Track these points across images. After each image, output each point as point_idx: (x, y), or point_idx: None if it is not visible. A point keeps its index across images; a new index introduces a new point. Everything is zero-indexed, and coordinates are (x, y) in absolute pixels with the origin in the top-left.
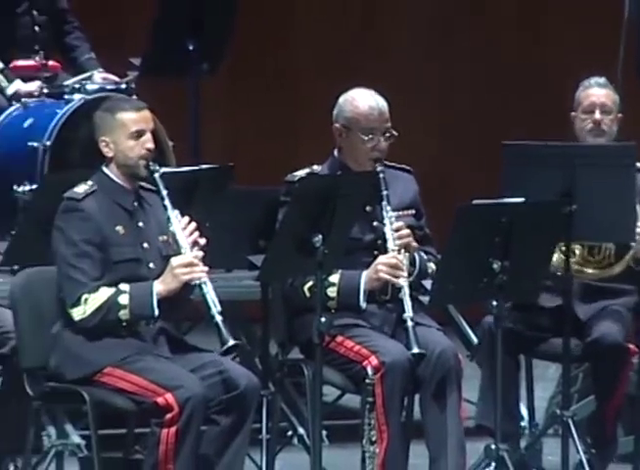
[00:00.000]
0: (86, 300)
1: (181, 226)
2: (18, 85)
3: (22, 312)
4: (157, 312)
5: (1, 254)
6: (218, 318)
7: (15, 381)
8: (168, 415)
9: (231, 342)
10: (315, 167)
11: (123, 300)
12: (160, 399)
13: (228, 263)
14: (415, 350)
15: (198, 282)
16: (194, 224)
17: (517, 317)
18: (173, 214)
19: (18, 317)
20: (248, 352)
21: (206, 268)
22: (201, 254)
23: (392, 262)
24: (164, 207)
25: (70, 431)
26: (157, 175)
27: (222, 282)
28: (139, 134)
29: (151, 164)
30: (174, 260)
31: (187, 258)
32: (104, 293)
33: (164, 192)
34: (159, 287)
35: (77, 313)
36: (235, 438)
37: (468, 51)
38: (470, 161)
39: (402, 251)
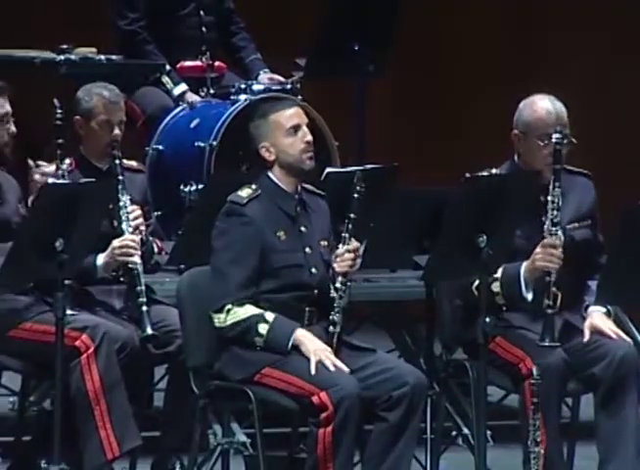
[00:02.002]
0: (229, 310)
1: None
2: (183, 88)
3: (188, 311)
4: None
5: (168, 253)
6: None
7: (181, 379)
8: (323, 414)
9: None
10: (494, 171)
11: (262, 328)
12: (314, 399)
13: (393, 263)
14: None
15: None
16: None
17: None
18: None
19: (183, 316)
20: (412, 351)
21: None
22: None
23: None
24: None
25: (236, 429)
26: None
27: (387, 282)
28: (295, 129)
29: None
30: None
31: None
32: (247, 310)
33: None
34: (300, 333)
35: (217, 320)
36: (403, 434)
37: None
38: None
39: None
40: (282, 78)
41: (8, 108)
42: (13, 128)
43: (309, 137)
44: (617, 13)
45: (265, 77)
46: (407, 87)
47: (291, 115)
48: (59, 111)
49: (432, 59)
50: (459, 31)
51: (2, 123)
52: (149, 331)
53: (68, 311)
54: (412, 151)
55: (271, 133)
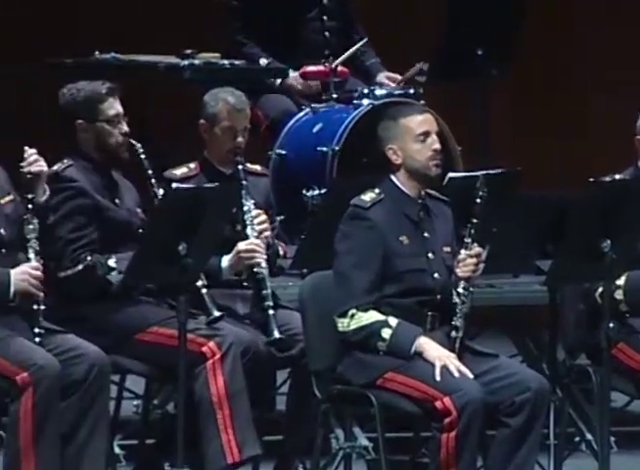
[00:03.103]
0: (353, 315)
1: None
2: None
3: (310, 315)
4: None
5: (291, 257)
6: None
7: (303, 383)
8: (447, 419)
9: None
10: (617, 177)
11: (386, 333)
12: (438, 404)
13: (515, 268)
14: None
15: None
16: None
17: None
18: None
19: (306, 320)
20: (535, 356)
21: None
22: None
23: None
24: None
25: (358, 433)
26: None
27: (509, 287)
28: (425, 136)
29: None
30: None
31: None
32: (371, 316)
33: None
34: (423, 339)
35: (341, 325)
36: (526, 440)
37: None
38: None
39: None
40: (399, 76)
41: (120, 109)
42: (125, 128)
43: (438, 146)
44: None
45: (383, 76)
46: (529, 89)
47: (421, 121)
48: (140, 150)
49: (551, 60)
50: (580, 32)
51: (114, 124)
52: (276, 335)
53: (216, 313)
54: (536, 154)
55: (400, 137)
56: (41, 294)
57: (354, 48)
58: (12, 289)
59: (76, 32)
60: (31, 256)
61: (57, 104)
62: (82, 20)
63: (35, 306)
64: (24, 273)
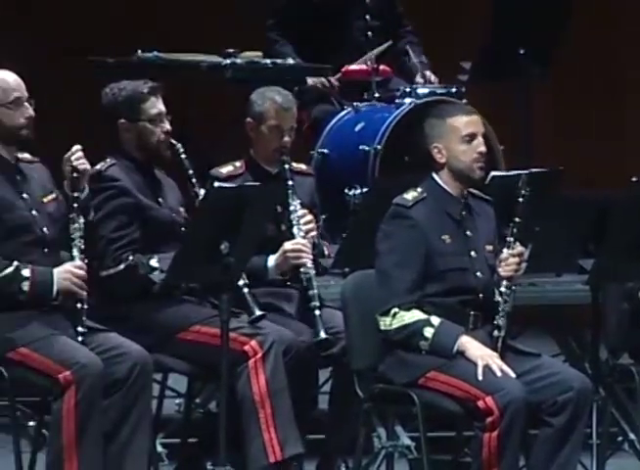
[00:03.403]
0: (395, 314)
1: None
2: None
3: (352, 314)
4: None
5: (333, 256)
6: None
7: (345, 382)
8: (489, 419)
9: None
10: None
11: (428, 332)
12: (480, 403)
13: (558, 267)
14: None
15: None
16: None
17: None
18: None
19: (347, 319)
20: (578, 356)
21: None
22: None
23: None
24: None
25: (400, 433)
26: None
27: (552, 286)
28: (471, 138)
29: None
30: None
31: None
32: (414, 315)
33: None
34: (465, 339)
35: (383, 324)
36: (568, 439)
37: None
38: None
39: None
40: (432, 77)
41: (162, 108)
42: (167, 127)
43: (483, 148)
44: None
45: (419, 76)
46: (571, 89)
47: (468, 122)
48: (181, 150)
49: (592, 59)
50: (622, 33)
51: (156, 123)
52: (322, 335)
53: (258, 312)
54: (578, 153)
55: (446, 136)
56: (84, 293)
57: (376, 51)
58: (55, 288)
59: (119, 31)
60: (76, 254)
61: (99, 103)
62: (125, 19)
63: (79, 305)
64: (67, 272)
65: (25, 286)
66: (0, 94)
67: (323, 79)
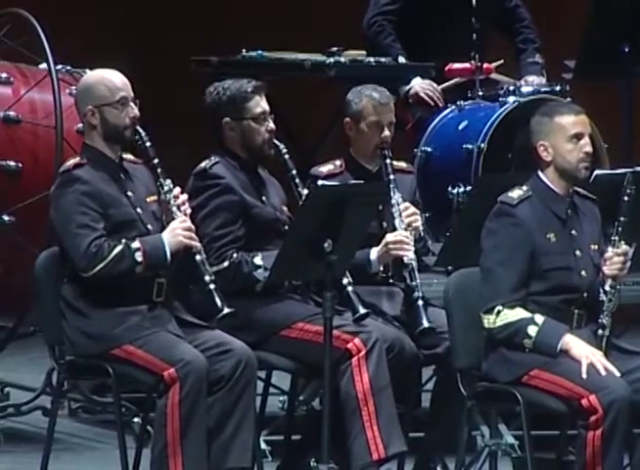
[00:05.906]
0: (499, 312)
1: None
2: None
3: (456, 313)
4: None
5: (436, 254)
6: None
7: (449, 380)
8: (593, 417)
9: None
10: None
11: (532, 330)
12: (584, 401)
13: None
14: None
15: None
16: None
17: None
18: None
19: (451, 318)
20: None
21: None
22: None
23: None
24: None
25: (504, 431)
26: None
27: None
28: (578, 137)
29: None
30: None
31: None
32: (518, 313)
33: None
34: (569, 337)
35: (487, 321)
36: None
37: None
38: None
39: None
40: (536, 81)
41: (266, 106)
42: (272, 125)
43: (589, 148)
44: None
45: (522, 81)
46: None
47: (576, 121)
48: (284, 150)
49: None
50: None
51: (260, 122)
52: (425, 324)
53: (362, 310)
54: None
55: (552, 134)
56: (197, 244)
57: (452, 81)
58: (167, 249)
59: (222, 31)
60: (176, 212)
61: (202, 102)
62: (229, 18)
63: (198, 257)
64: (175, 229)
65: (139, 256)
66: (107, 93)
67: (429, 91)
